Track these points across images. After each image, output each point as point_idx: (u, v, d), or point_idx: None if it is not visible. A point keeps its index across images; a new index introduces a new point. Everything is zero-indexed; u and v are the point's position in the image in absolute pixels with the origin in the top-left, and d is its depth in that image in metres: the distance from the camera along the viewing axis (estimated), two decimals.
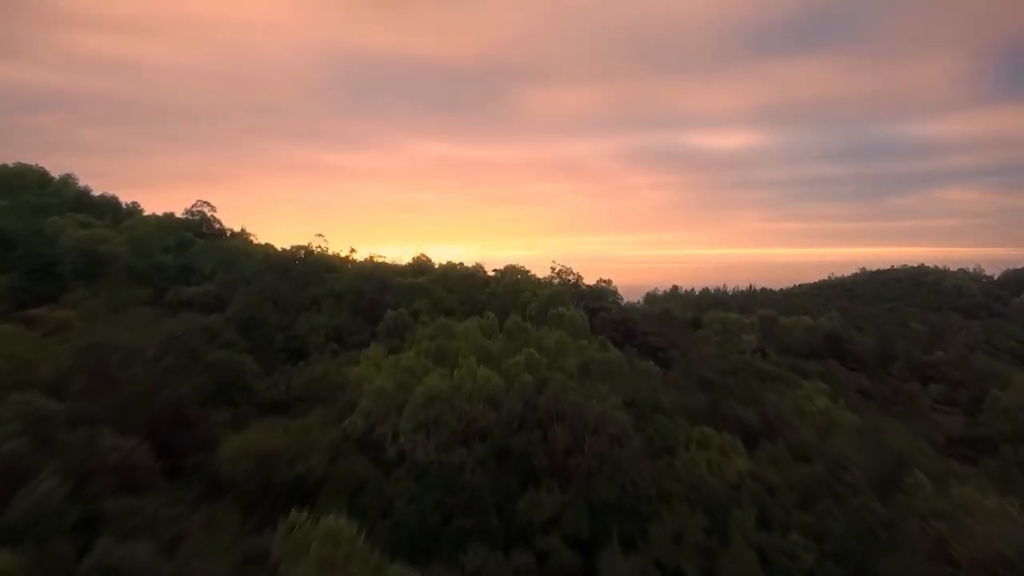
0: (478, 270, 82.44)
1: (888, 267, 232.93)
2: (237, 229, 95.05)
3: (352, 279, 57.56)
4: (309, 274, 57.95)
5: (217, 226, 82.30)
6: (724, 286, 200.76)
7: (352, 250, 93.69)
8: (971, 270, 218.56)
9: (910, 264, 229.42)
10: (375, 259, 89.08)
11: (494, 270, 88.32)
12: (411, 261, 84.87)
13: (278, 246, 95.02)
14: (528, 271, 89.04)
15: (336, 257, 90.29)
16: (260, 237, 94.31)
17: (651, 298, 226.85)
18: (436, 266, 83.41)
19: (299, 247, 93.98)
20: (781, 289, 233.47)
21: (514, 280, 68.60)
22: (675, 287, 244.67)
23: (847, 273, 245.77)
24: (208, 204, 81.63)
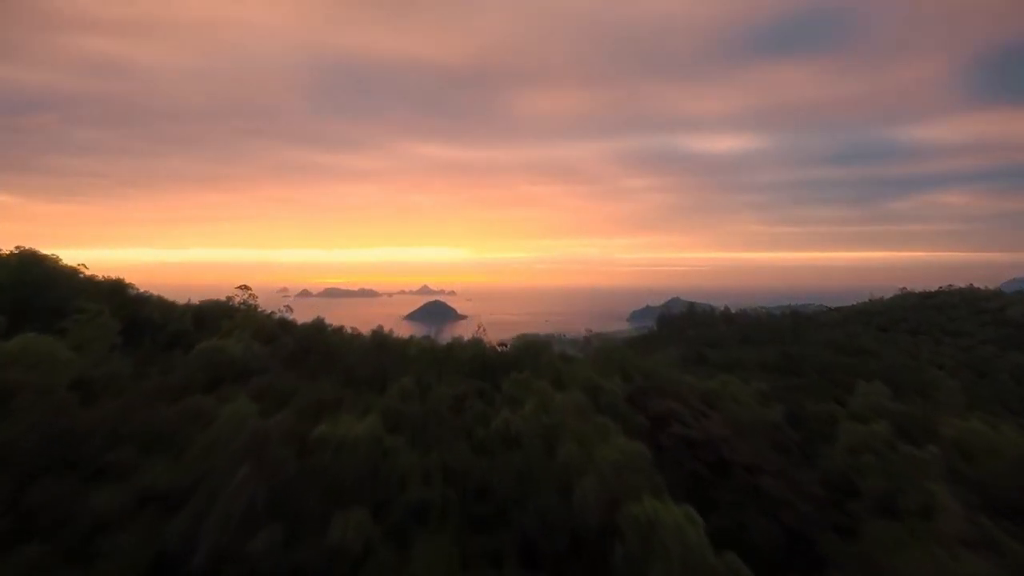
0: (478, 347, 53.38)
1: (935, 288, 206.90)
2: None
3: (249, 437, 27.87)
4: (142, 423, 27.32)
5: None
6: (764, 311, 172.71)
7: (288, 308, 63.70)
8: None
9: (957, 284, 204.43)
10: (325, 328, 59.28)
11: (499, 344, 59.02)
12: (372, 335, 55.19)
13: (182, 300, 64.70)
14: (551, 346, 59.84)
15: (262, 321, 59.62)
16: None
17: (664, 321, 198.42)
18: (413, 346, 53.92)
19: (213, 305, 63.71)
20: (813, 311, 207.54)
21: (538, 391, 39.76)
22: (691, 305, 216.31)
23: (879, 292, 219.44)
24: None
